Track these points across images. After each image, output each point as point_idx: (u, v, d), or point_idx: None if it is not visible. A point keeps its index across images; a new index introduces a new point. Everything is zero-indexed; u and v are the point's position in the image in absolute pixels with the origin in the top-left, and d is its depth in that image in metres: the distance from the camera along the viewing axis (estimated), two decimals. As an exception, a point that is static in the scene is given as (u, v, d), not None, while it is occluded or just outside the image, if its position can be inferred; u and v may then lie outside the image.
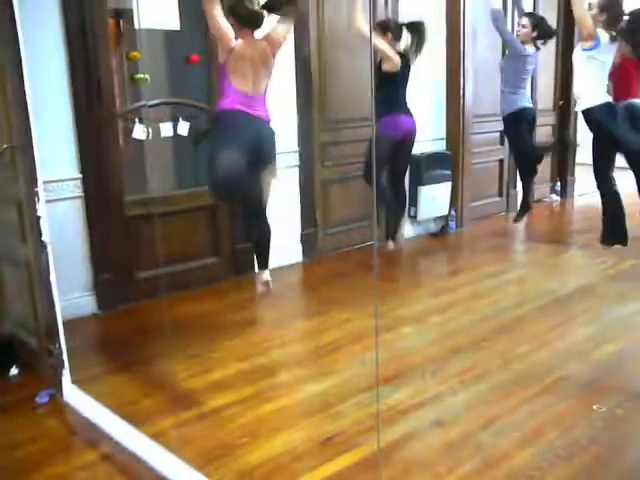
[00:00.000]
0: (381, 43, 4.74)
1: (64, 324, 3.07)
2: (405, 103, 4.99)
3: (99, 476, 2.45)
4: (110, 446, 2.62)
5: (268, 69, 3.80)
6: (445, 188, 6.00)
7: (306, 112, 5.07)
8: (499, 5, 5.60)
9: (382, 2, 5.42)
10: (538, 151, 5.84)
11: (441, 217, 6.15)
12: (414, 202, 5.81)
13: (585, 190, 7.94)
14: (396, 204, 5.15)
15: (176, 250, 4.38)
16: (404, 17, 5.32)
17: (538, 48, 5.54)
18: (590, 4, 4.85)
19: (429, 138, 6.00)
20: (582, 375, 3.19)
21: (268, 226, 3.96)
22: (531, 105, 5.65)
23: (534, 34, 5.43)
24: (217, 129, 3.74)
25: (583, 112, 4.93)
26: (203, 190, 4.57)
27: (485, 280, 4.72)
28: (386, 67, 4.81)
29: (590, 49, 4.76)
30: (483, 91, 6.21)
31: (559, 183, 7.79)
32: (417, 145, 5.28)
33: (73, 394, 3.02)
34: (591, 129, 4.95)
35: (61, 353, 3.05)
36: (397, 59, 4.81)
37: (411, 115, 5.00)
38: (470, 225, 6.44)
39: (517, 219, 5.97)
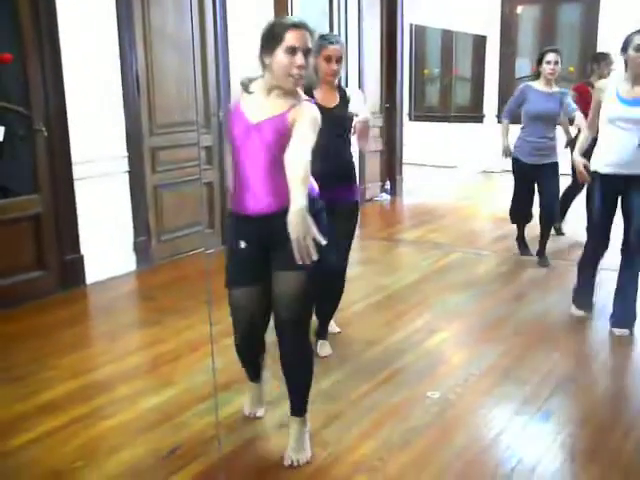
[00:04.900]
0: None
1: None
2: None
3: None
4: None
5: None
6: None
7: (134, 116, 4.87)
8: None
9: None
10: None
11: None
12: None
13: (412, 188, 8.40)
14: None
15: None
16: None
17: None
18: None
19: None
20: (416, 365, 3.35)
21: None
22: None
23: None
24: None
25: None
26: (24, 199, 4.29)
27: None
28: None
29: None
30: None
31: (389, 182, 8.12)
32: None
33: None
34: None
35: None
36: None
37: None
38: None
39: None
